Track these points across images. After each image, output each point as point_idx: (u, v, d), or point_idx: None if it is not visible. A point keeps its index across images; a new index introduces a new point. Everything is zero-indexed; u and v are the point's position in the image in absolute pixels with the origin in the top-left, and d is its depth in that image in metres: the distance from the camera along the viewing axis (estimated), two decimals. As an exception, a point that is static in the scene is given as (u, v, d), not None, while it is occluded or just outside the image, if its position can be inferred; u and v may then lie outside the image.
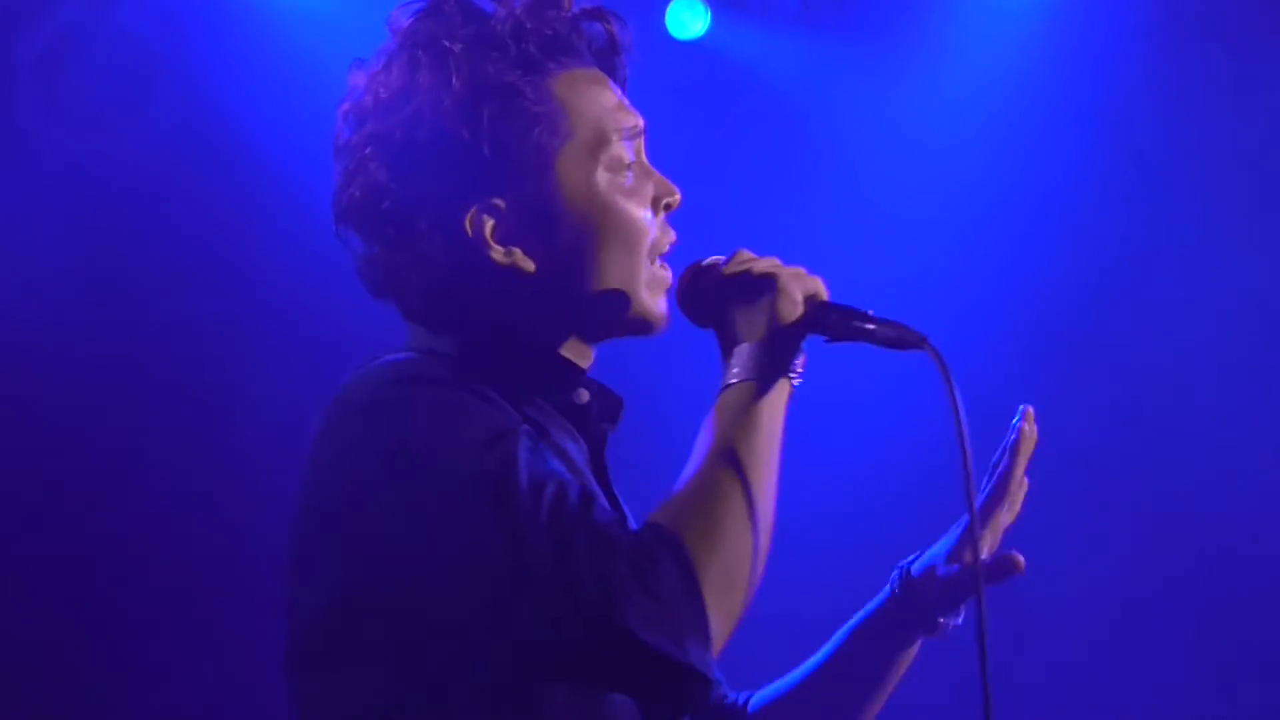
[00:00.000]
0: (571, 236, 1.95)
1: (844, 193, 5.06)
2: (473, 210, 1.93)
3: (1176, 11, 4.95)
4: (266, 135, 4.70)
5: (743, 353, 1.92)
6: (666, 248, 2.01)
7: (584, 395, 1.98)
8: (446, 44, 1.92)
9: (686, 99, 5.04)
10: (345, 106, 1.97)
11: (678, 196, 2.00)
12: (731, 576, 1.75)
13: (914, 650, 2.13)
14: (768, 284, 1.93)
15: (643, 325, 1.99)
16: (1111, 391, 5.07)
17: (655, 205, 1.99)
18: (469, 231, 1.92)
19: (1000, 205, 5.07)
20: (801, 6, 5.10)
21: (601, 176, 1.96)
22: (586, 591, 1.68)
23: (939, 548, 2.15)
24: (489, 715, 1.77)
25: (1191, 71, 4.97)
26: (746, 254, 1.97)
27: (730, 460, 1.82)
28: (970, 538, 1.98)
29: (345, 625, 1.79)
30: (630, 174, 1.98)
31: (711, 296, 1.96)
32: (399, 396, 1.83)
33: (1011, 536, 2.20)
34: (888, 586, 2.16)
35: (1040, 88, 5.09)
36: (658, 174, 2.00)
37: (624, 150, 1.97)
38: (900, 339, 1.95)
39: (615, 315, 1.99)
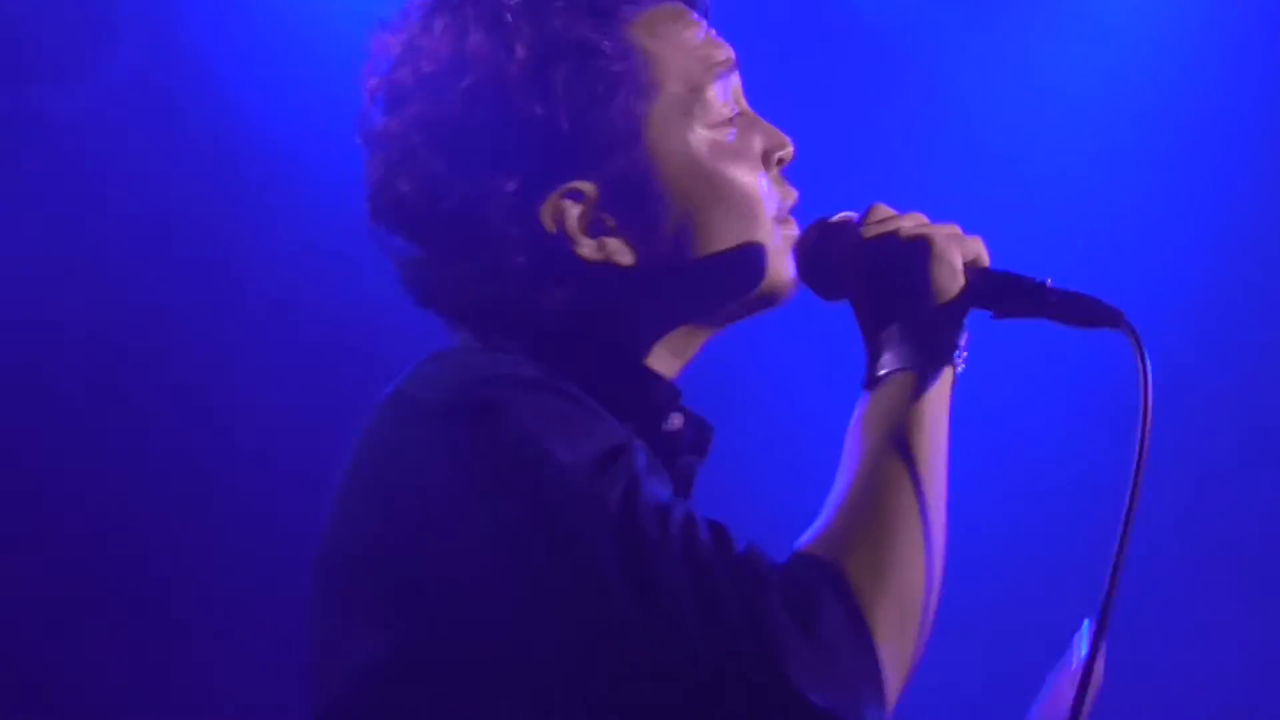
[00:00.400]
0: (677, 217, 1.76)
1: (976, 147, 4.75)
2: (553, 199, 1.74)
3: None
4: (250, 91, 4.48)
5: (894, 336, 1.74)
6: (787, 209, 1.83)
7: (676, 420, 1.79)
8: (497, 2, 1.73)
9: (789, 38, 4.74)
10: (374, 82, 1.79)
11: (791, 148, 1.82)
12: (907, 617, 1.59)
13: None
14: (920, 248, 1.74)
15: (769, 299, 1.83)
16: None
17: (767, 162, 1.81)
18: (550, 225, 1.73)
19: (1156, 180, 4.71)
20: None
21: (700, 137, 1.77)
22: (736, 639, 1.51)
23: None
24: None
25: None
26: (885, 209, 1.79)
27: (895, 471, 1.65)
28: (1118, 562, 1.68)
29: (411, 684, 1.60)
30: (733, 129, 1.80)
31: (847, 264, 1.79)
32: (489, 400, 1.61)
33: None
34: None
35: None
36: (764, 122, 1.82)
37: (722, 98, 1.79)
38: (1091, 316, 1.78)
39: (739, 296, 1.82)
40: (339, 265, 4.17)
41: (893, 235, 1.76)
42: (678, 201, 1.77)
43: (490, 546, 1.57)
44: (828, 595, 1.54)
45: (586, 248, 1.74)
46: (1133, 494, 1.67)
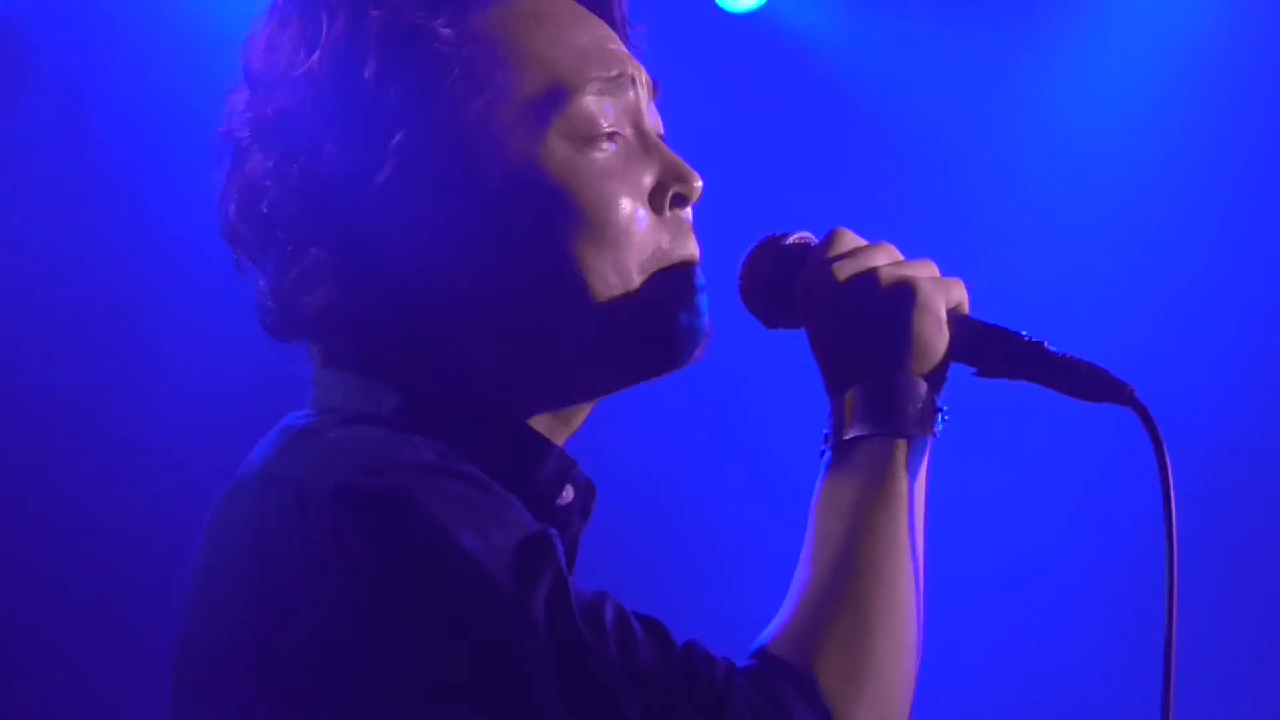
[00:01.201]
0: (520, 237, 1.60)
1: (928, 196, 4.82)
2: (399, 206, 1.61)
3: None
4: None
5: (867, 394, 1.60)
6: (677, 260, 1.62)
7: (568, 494, 1.63)
8: None
9: (738, 85, 4.82)
10: (229, 94, 1.69)
11: (696, 184, 1.62)
12: (881, 697, 1.50)
13: None
14: (904, 297, 1.59)
15: (652, 356, 1.64)
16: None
17: (658, 196, 1.61)
18: (383, 233, 1.61)
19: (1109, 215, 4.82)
20: None
21: (557, 146, 1.58)
22: None
23: None
24: None
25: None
26: (851, 237, 1.63)
27: (870, 559, 1.55)
28: (1167, 660, 1.63)
29: None
30: (613, 144, 1.61)
31: (809, 298, 1.63)
32: (390, 490, 1.47)
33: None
34: None
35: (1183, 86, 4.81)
36: (669, 153, 1.63)
37: (599, 110, 1.60)
38: (1094, 388, 1.66)
39: (601, 345, 1.62)
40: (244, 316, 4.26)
41: (871, 279, 1.61)
42: (521, 220, 1.60)
43: (400, 657, 1.45)
44: (800, 708, 1.45)
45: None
46: (1170, 591, 1.59)
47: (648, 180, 1.62)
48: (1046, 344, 1.66)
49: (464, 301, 1.61)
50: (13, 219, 4.49)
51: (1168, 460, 1.61)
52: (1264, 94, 4.71)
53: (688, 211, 1.66)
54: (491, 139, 1.59)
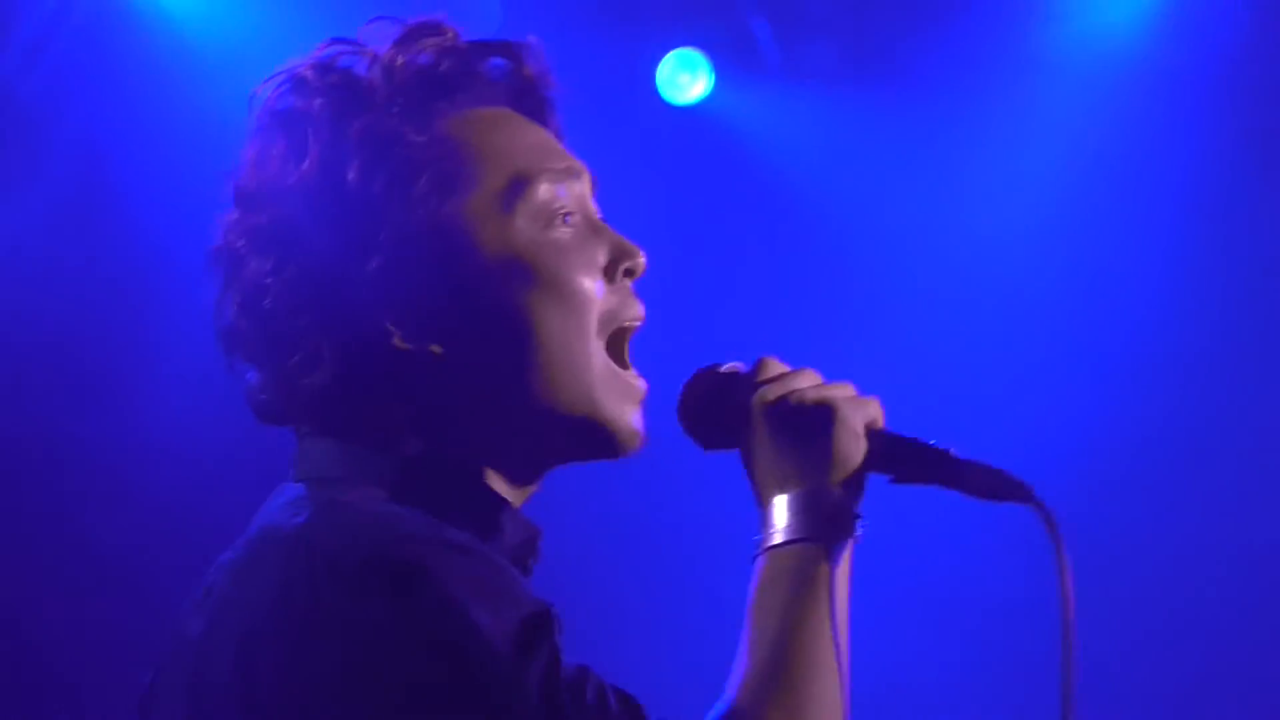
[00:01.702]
0: (487, 309, 1.76)
1: (866, 288, 5.04)
2: (366, 293, 1.78)
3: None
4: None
5: (793, 503, 1.75)
6: (631, 323, 1.80)
7: (532, 563, 1.83)
8: (303, 104, 1.77)
9: (683, 178, 5.04)
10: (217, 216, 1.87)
11: (641, 259, 1.80)
12: None
13: None
14: (824, 416, 1.75)
15: (603, 438, 1.80)
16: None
17: (610, 271, 1.78)
18: (360, 320, 1.76)
19: (1048, 304, 5.04)
20: (784, 66, 5.10)
21: (521, 230, 1.76)
22: None
23: None
24: None
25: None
26: (776, 364, 1.80)
27: (802, 650, 1.70)
28: None
29: None
30: (568, 228, 1.79)
31: (740, 421, 1.78)
32: (409, 564, 1.62)
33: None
34: None
35: (1105, 170, 5.08)
36: (612, 231, 1.81)
37: (555, 196, 1.79)
38: (994, 488, 1.77)
39: (559, 419, 1.78)
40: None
41: (795, 400, 1.76)
42: (491, 294, 1.75)
43: (412, 716, 1.58)
44: None
45: (398, 340, 1.75)
46: (1065, 686, 1.70)
47: (601, 258, 1.77)
48: (952, 450, 1.77)
49: (449, 375, 1.74)
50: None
51: (1065, 554, 1.72)
52: (1166, 191, 4.96)
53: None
54: (464, 227, 1.74)
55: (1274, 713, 5.11)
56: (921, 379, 4.81)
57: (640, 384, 1.83)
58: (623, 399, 1.80)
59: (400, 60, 1.81)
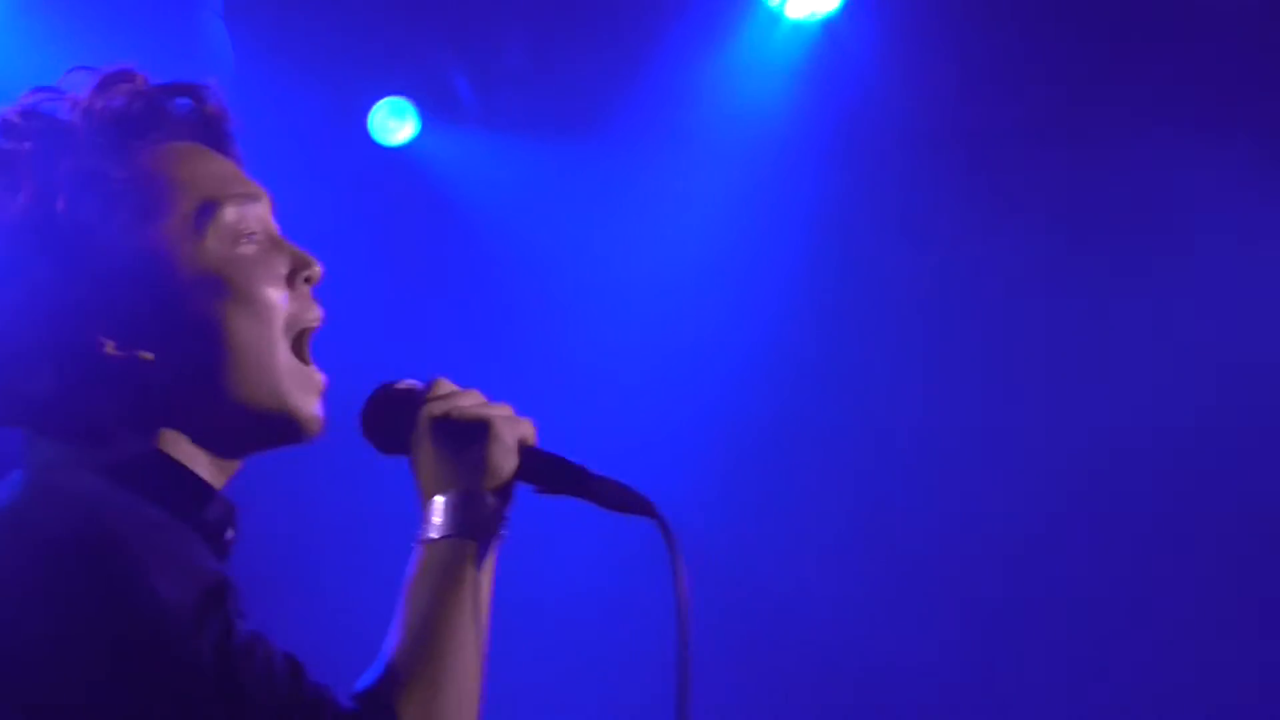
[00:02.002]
0: (185, 317, 1.89)
1: (541, 317, 5.25)
2: (81, 308, 1.90)
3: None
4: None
5: (450, 504, 1.88)
6: (311, 324, 1.94)
7: (230, 534, 1.93)
8: (14, 146, 1.89)
9: (391, 211, 5.22)
10: None
11: (318, 268, 1.94)
12: None
13: None
14: (481, 429, 1.90)
15: (289, 426, 1.93)
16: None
17: (292, 280, 1.94)
18: (77, 335, 1.88)
19: (703, 333, 5.33)
20: (482, 116, 5.27)
21: (211, 248, 1.90)
22: None
23: None
24: None
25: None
26: (448, 384, 1.93)
27: (446, 639, 1.84)
28: None
29: None
30: (252, 245, 1.93)
31: (410, 430, 1.92)
32: (104, 538, 1.73)
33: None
34: None
35: (757, 215, 5.39)
36: (291, 244, 1.96)
37: (240, 218, 1.93)
38: (622, 502, 1.91)
39: (252, 411, 1.91)
40: None
41: (456, 415, 1.92)
42: (186, 303, 1.89)
43: (98, 679, 1.71)
44: None
45: (109, 348, 1.88)
46: (681, 685, 1.83)
47: (282, 268, 1.92)
48: (589, 468, 1.92)
49: (157, 377, 1.88)
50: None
51: (680, 563, 1.87)
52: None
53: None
54: (163, 248, 1.88)
55: (884, 710, 5.42)
56: (582, 399, 4.98)
57: (320, 377, 1.96)
58: (305, 391, 1.93)
59: (97, 105, 1.92)
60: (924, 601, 5.42)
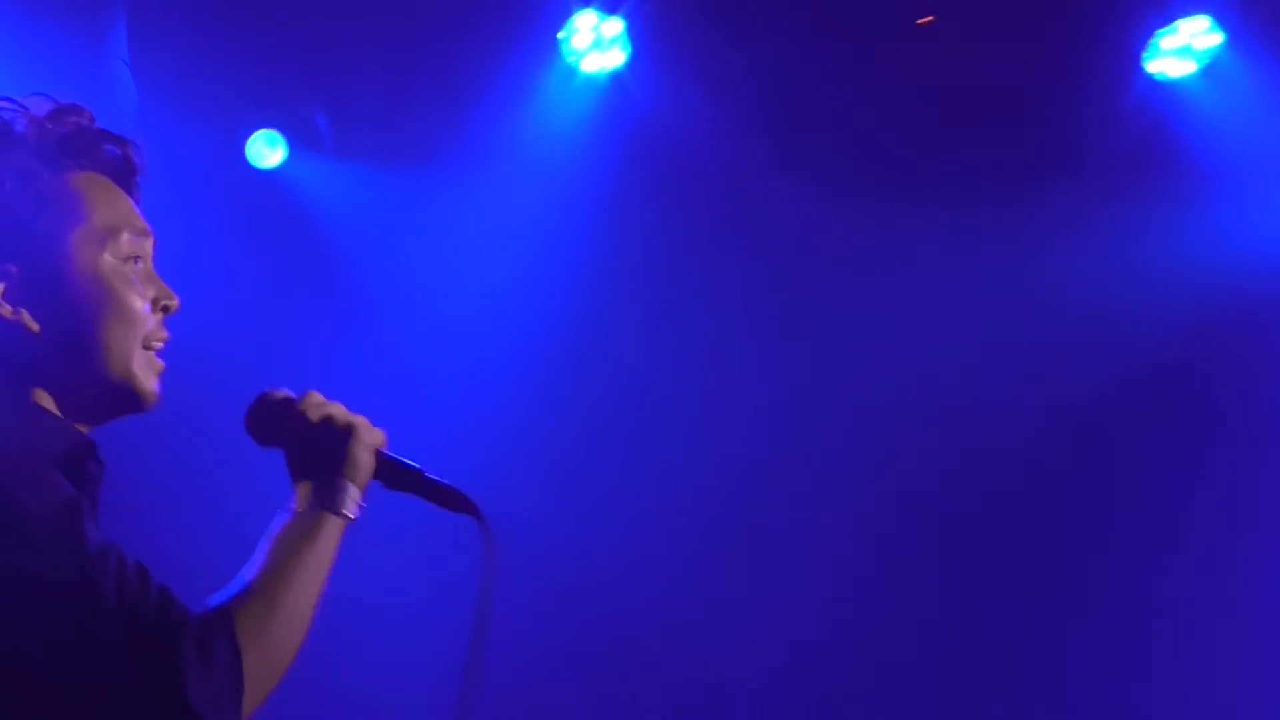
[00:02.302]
0: (73, 305, 2.01)
1: (392, 332, 5.46)
2: None
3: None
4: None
5: (315, 487, 2.03)
6: (158, 344, 2.07)
7: (95, 466, 2.01)
8: None
9: (263, 225, 5.41)
10: None
11: (176, 302, 2.08)
12: (269, 668, 1.89)
13: None
14: (347, 435, 2.04)
15: (133, 398, 2.04)
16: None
17: (155, 305, 2.07)
18: None
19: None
20: (339, 143, 5.44)
21: (108, 261, 2.03)
22: (155, 665, 1.78)
23: None
24: None
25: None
26: (319, 397, 2.08)
27: (289, 577, 1.94)
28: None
29: None
30: (136, 269, 2.06)
31: (288, 430, 2.06)
32: None
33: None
34: None
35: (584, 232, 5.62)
36: (161, 281, 2.09)
37: (133, 246, 2.06)
38: (451, 502, 2.06)
39: (108, 386, 2.03)
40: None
41: (329, 421, 2.04)
42: (77, 295, 2.00)
43: None
44: (223, 642, 1.83)
45: (5, 310, 1.98)
46: (472, 662, 1.98)
47: (150, 294, 2.05)
48: (426, 471, 2.05)
49: (33, 344, 2.00)
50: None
51: (493, 567, 2.01)
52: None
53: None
54: (69, 248, 2.02)
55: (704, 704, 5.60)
56: (409, 395, 5.16)
57: (160, 364, 2.05)
58: (148, 373, 2.03)
59: (49, 125, 2.05)
60: (722, 593, 5.63)
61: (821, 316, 5.72)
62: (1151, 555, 5.58)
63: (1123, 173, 5.43)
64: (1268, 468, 5.55)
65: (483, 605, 2.02)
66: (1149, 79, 5.31)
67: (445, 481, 2.08)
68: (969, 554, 5.60)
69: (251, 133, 5.41)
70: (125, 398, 2.05)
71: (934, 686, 5.54)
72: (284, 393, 2.08)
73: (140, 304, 2.05)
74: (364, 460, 2.04)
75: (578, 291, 5.66)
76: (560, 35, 5.37)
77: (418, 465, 2.07)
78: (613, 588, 5.54)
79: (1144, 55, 5.27)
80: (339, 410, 2.07)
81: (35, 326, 2.01)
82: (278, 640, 1.90)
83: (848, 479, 5.65)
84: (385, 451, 2.04)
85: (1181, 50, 5.23)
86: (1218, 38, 5.19)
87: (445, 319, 5.56)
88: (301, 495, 2.03)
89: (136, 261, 2.06)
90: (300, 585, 1.94)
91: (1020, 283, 5.64)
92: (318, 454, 2.05)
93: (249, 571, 1.94)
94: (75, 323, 2.03)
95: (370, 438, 2.05)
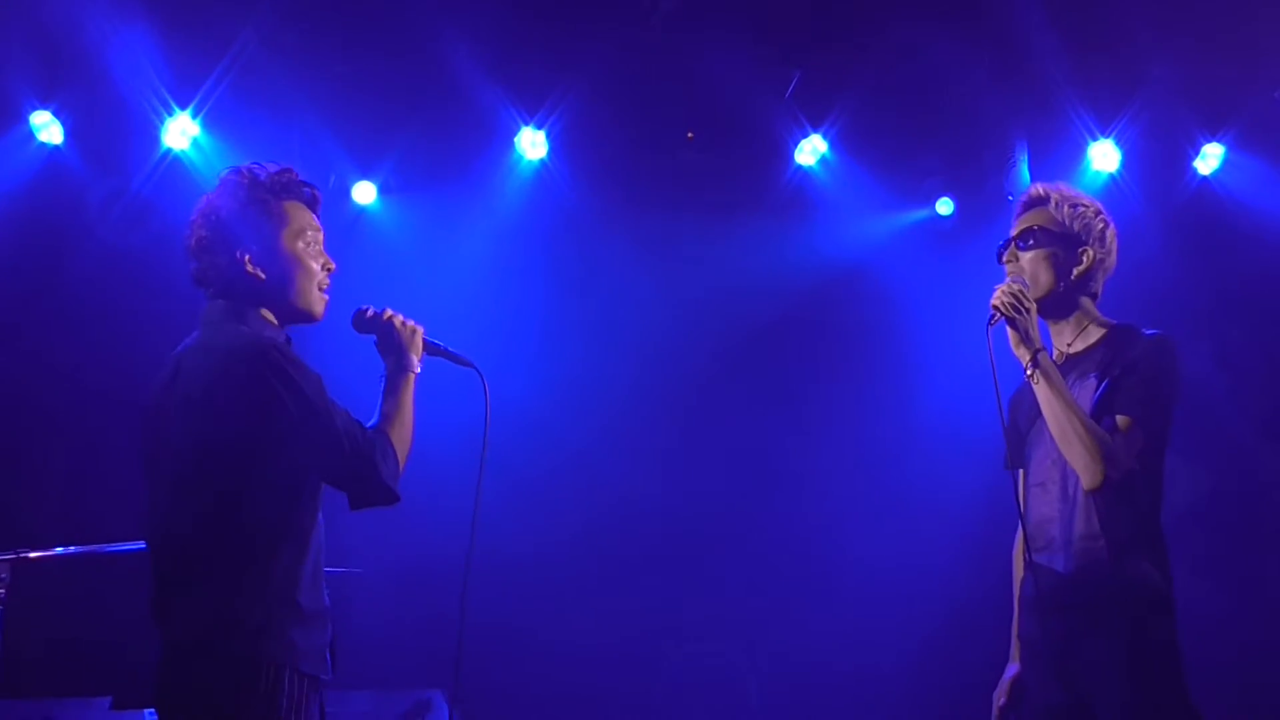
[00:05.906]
0: (282, 266, 3.48)
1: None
2: (240, 249, 3.53)
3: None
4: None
5: (394, 360, 3.58)
6: (324, 286, 3.50)
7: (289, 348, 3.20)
8: (237, 179, 3.60)
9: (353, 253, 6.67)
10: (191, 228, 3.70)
11: (333, 265, 3.50)
12: (404, 455, 3.45)
13: None
14: (407, 330, 3.64)
15: (311, 316, 3.50)
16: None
17: (323, 267, 3.51)
18: (237, 257, 3.52)
19: None
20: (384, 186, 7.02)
21: (299, 245, 3.48)
22: (364, 458, 3.32)
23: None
24: (279, 535, 3.24)
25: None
26: (390, 311, 3.58)
27: (401, 407, 3.52)
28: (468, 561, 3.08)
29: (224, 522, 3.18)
30: (312, 249, 3.48)
31: (376, 328, 3.63)
32: (266, 349, 3.19)
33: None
34: None
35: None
36: (326, 254, 3.52)
37: (312, 237, 3.53)
38: (461, 361, 3.65)
39: (299, 309, 3.47)
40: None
41: (400, 322, 3.60)
42: (284, 261, 3.48)
43: (287, 436, 3.20)
44: (387, 446, 3.40)
45: (249, 267, 3.41)
46: (478, 492, 3.28)
47: (320, 261, 3.49)
48: (447, 346, 3.59)
49: (260, 284, 3.44)
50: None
51: (489, 403, 3.51)
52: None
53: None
54: (281, 239, 3.53)
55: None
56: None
57: (325, 297, 3.47)
58: (319, 302, 3.52)
59: (275, 176, 3.52)
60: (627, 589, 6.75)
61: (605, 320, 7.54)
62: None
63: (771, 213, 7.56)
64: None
65: (484, 439, 3.48)
66: (797, 166, 7.85)
67: (458, 351, 3.71)
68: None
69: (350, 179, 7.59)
70: (307, 315, 3.56)
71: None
72: (371, 309, 3.62)
73: (315, 265, 3.52)
74: (416, 342, 3.57)
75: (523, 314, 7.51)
76: (515, 140, 7.64)
77: (442, 343, 3.68)
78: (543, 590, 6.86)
79: (795, 150, 7.73)
80: (399, 317, 3.59)
81: (263, 277, 3.53)
82: (405, 441, 3.47)
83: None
84: (426, 336, 3.60)
85: (816, 152, 7.89)
86: (823, 146, 7.69)
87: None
88: (390, 364, 3.57)
89: (315, 247, 3.54)
90: (405, 410, 3.50)
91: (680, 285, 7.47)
92: (393, 340, 3.59)
93: (380, 408, 3.50)
94: (283, 275, 3.53)
95: (416, 330, 3.56)
